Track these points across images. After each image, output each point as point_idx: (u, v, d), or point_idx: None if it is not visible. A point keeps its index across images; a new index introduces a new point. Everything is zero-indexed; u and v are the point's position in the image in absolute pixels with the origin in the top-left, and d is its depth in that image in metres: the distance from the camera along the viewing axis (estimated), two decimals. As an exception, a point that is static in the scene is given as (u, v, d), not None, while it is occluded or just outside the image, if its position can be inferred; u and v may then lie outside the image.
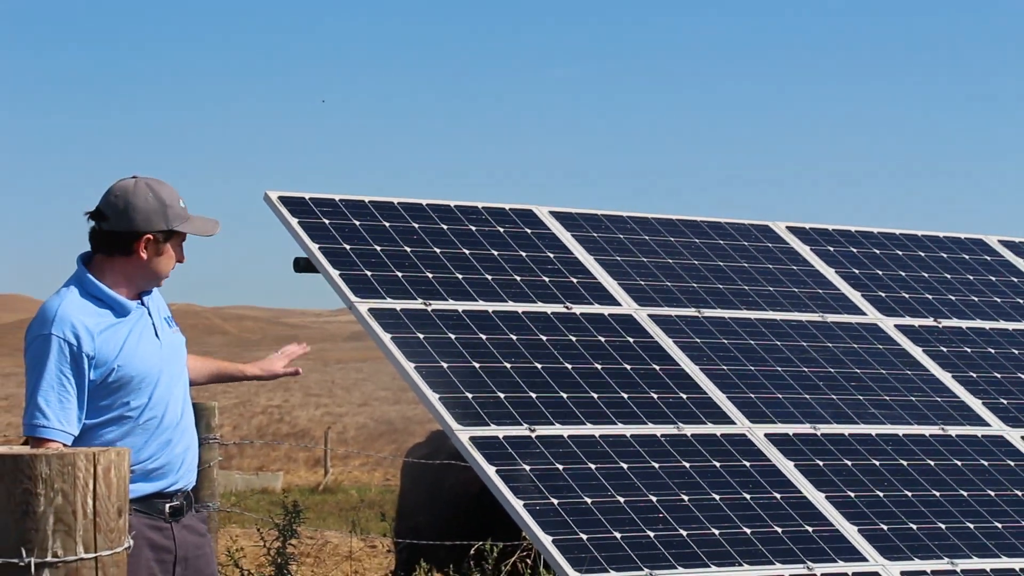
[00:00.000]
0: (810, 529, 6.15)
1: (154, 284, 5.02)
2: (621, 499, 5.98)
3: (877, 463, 6.66)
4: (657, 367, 6.78)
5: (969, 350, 7.70)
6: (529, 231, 7.43)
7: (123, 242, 4.93)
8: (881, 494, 6.47)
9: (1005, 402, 7.37)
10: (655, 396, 6.60)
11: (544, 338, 6.73)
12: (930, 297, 8.04)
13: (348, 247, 6.85)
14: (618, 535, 5.81)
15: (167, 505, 4.93)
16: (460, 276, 6.93)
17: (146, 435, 4.89)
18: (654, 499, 6.04)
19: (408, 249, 6.99)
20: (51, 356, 4.80)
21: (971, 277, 8.34)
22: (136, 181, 4.98)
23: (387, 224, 7.12)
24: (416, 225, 7.18)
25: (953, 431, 7.03)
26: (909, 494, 6.53)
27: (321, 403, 48.85)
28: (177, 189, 5.04)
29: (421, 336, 6.47)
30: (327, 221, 6.98)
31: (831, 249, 8.17)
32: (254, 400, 49.29)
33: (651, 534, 5.87)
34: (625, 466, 6.17)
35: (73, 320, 4.83)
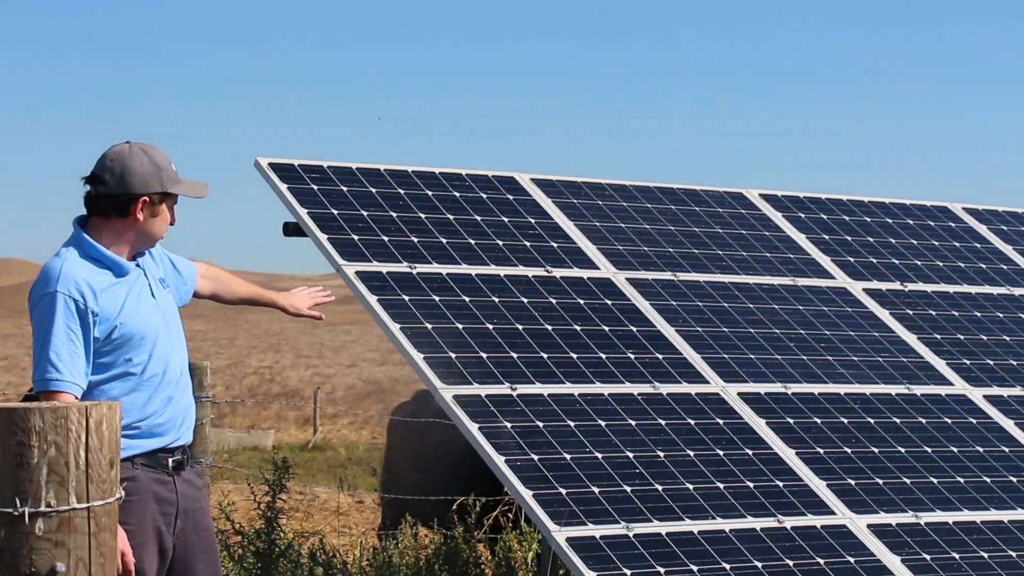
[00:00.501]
0: (780, 484, 6.29)
1: (149, 245, 5.14)
2: (599, 455, 6.11)
3: (845, 421, 6.82)
4: (634, 329, 6.94)
5: (934, 313, 7.86)
6: (511, 197, 7.58)
7: (120, 205, 5.04)
8: (849, 450, 6.62)
9: (968, 362, 7.54)
10: (632, 356, 6.75)
11: (525, 300, 6.87)
12: (897, 262, 8.21)
13: (336, 212, 6.99)
14: (596, 490, 5.93)
15: (170, 459, 5.05)
16: (444, 240, 7.08)
17: (149, 391, 5.02)
18: (631, 455, 6.17)
19: (394, 214, 7.14)
20: (58, 312, 4.91)
21: (936, 243, 8.50)
22: (131, 146, 5.08)
23: (374, 190, 7.26)
24: (402, 191, 7.33)
25: (918, 390, 7.21)
26: (876, 450, 6.68)
27: (311, 364, 48.85)
28: (169, 154, 5.15)
29: (406, 298, 6.61)
30: (315, 187, 7.12)
31: (802, 216, 8.32)
32: (246, 361, 49.32)
33: (628, 488, 5.99)
34: (603, 423, 6.30)
35: (76, 278, 4.94)
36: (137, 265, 5.12)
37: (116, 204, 5.05)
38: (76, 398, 4.91)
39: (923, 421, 6.97)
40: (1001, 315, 8.01)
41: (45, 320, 4.94)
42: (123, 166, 5.04)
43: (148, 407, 5.01)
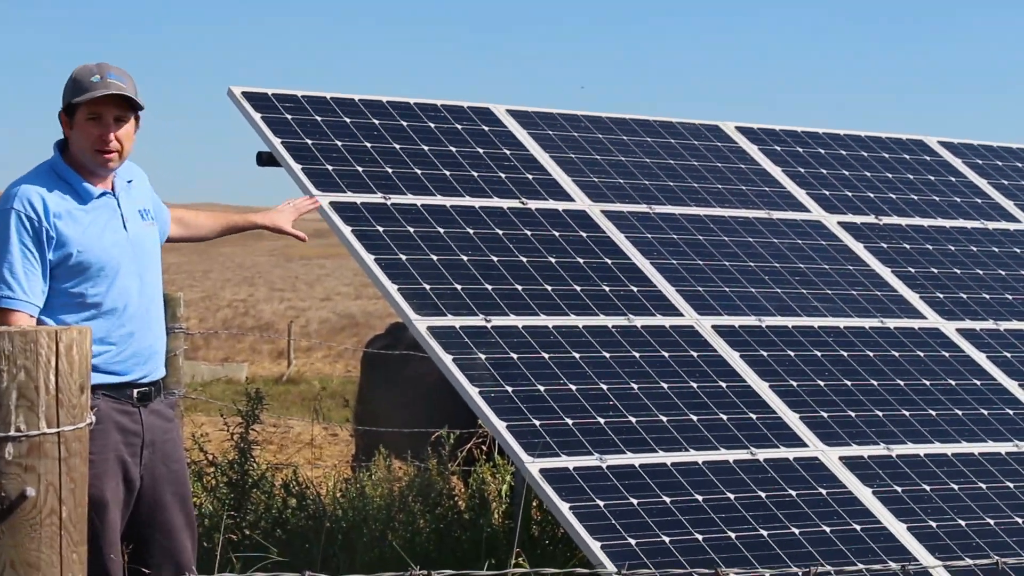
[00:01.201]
0: (754, 416, 6.32)
1: (93, 164, 4.96)
2: (573, 387, 6.13)
3: (819, 354, 6.85)
4: (609, 261, 6.94)
5: (908, 246, 7.88)
6: (486, 128, 7.57)
7: (60, 122, 5.04)
8: (822, 383, 6.66)
9: (941, 296, 7.57)
10: (607, 289, 6.76)
11: (500, 232, 6.87)
12: (872, 195, 8.22)
13: (310, 142, 6.97)
14: (570, 421, 5.95)
15: (136, 391, 4.97)
16: (419, 171, 7.06)
17: (108, 324, 4.92)
18: (605, 387, 6.20)
19: (368, 144, 7.12)
20: (12, 230, 4.83)
21: (911, 176, 8.52)
22: (83, 64, 5.01)
23: (348, 120, 7.24)
24: (376, 121, 7.31)
25: (891, 324, 7.24)
26: (849, 383, 6.72)
27: (285, 297, 48.87)
28: (140, 81, 5.03)
29: (380, 229, 6.61)
30: (289, 116, 7.09)
31: (778, 149, 8.32)
32: (220, 294, 49.29)
33: (601, 420, 6.01)
34: (577, 355, 6.31)
35: (31, 197, 4.86)
36: (111, 194, 5.04)
37: (60, 121, 5.04)
38: (31, 317, 4.85)
39: (896, 354, 7.00)
40: (975, 249, 8.03)
41: (0, 238, 4.86)
42: (65, 85, 5.03)
43: (107, 340, 4.92)
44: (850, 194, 8.13)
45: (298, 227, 5.93)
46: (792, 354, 6.77)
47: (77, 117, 4.95)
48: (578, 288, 6.67)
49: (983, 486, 6.36)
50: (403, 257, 6.47)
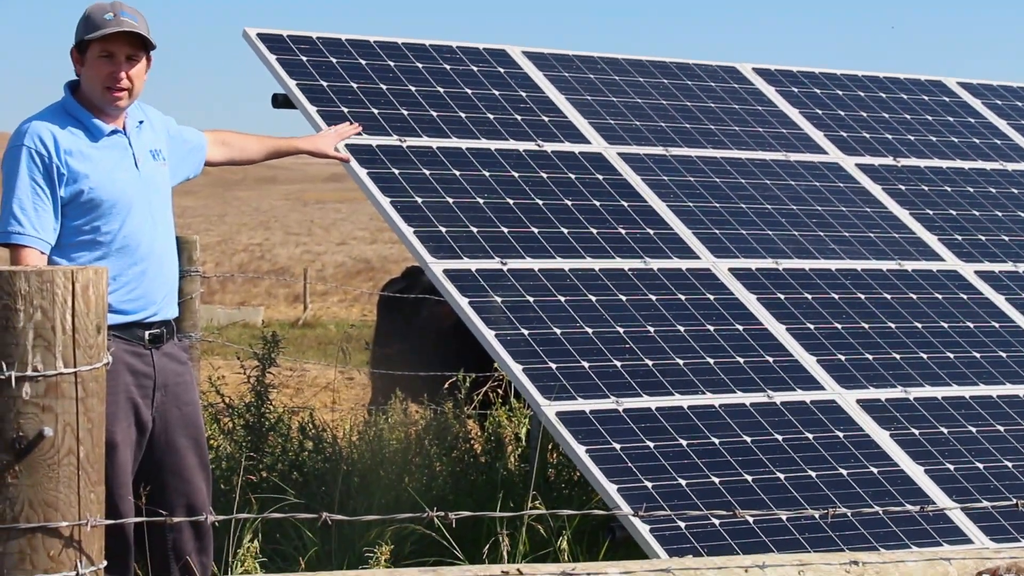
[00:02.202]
0: (770, 359, 6.31)
1: (102, 101, 4.96)
2: (589, 330, 6.12)
3: (836, 297, 6.83)
4: (625, 204, 6.92)
5: (926, 188, 7.84)
6: (502, 71, 7.54)
7: (71, 59, 5.02)
8: (839, 326, 6.64)
9: (960, 238, 7.53)
10: (623, 231, 6.74)
11: (516, 174, 6.85)
12: (890, 137, 8.18)
13: (325, 84, 6.95)
14: (586, 364, 5.95)
15: (147, 332, 4.97)
16: (435, 114, 7.04)
17: (119, 263, 4.92)
18: (621, 330, 6.19)
19: (384, 87, 7.09)
20: (22, 166, 4.83)
21: (930, 118, 8.46)
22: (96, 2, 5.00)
23: (363, 62, 7.21)
24: (391, 63, 7.28)
25: (910, 266, 7.21)
26: (866, 326, 6.70)
27: (301, 241, 48.93)
28: (152, 19, 5.02)
29: (396, 172, 6.59)
30: (305, 58, 7.07)
31: (796, 90, 8.27)
32: (236, 238, 49.36)
33: (618, 363, 6.01)
34: (593, 298, 6.30)
35: (43, 133, 4.86)
36: (122, 132, 5.03)
37: (72, 58, 5.02)
38: (41, 253, 4.86)
39: (914, 297, 6.98)
40: (994, 191, 7.99)
41: (11, 174, 4.86)
42: (77, 23, 5.02)
43: (119, 279, 4.92)
44: (868, 136, 8.09)
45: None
46: (809, 297, 6.75)
47: (89, 54, 4.95)
48: (594, 231, 6.66)
49: (1001, 428, 6.36)
50: (419, 200, 6.45)
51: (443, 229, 6.35)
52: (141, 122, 5.13)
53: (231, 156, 5.54)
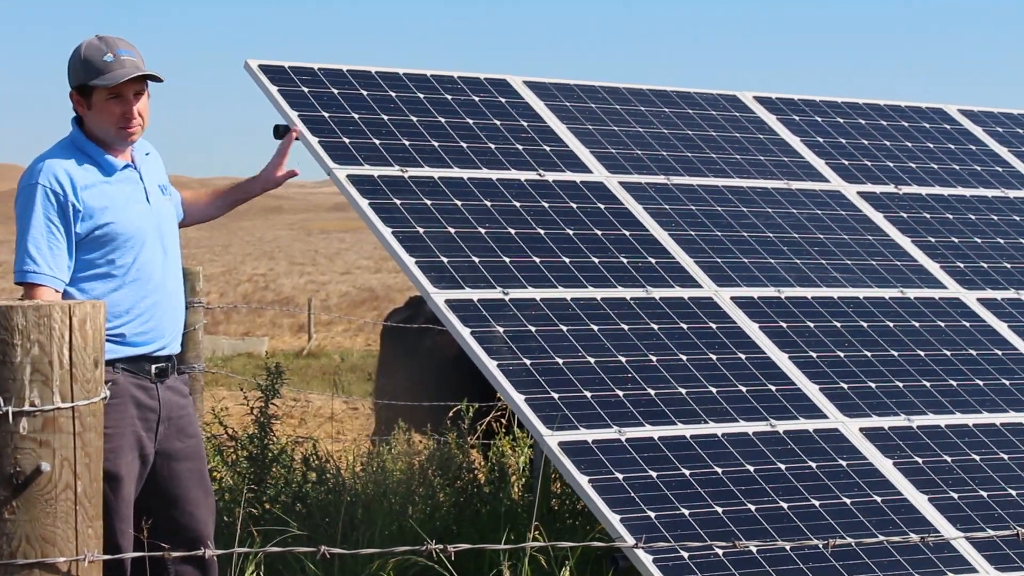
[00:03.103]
0: (773, 388, 6.30)
1: (114, 141, 4.98)
2: (591, 359, 6.11)
3: (838, 325, 6.82)
4: (627, 233, 6.92)
5: (928, 216, 7.84)
6: (504, 100, 7.54)
7: (72, 101, 5.02)
8: (842, 354, 6.62)
9: (962, 265, 7.53)
10: (625, 260, 6.73)
11: (517, 204, 6.85)
12: (891, 164, 8.17)
13: (327, 115, 6.95)
14: (588, 394, 5.93)
15: (153, 366, 4.99)
16: (436, 144, 7.04)
17: (132, 295, 4.96)
18: (623, 359, 6.18)
19: (385, 117, 7.10)
20: (38, 204, 4.85)
21: (931, 145, 8.47)
22: (87, 40, 5.00)
23: (365, 93, 7.22)
24: (393, 94, 7.29)
25: (912, 294, 7.21)
26: (869, 354, 6.68)
27: (305, 271, 48.96)
28: (142, 48, 5.01)
29: (398, 202, 6.59)
30: (306, 89, 7.08)
31: (797, 118, 8.28)
32: (240, 268, 49.39)
33: (620, 393, 5.99)
34: (595, 328, 6.29)
35: (57, 171, 4.87)
36: (132, 167, 5.04)
37: (73, 100, 5.02)
38: (56, 292, 4.87)
39: (916, 324, 6.97)
40: (996, 218, 7.99)
41: (26, 212, 4.88)
42: (69, 62, 5.01)
43: (132, 311, 4.95)
44: (869, 163, 8.09)
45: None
46: (811, 325, 6.74)
47: (95, 98, 4.96)
48: (596, 260, 6.65)
49: (1005, 456, 6.34)
50: (421, 230, 6.45)
51: (445, 259, 6.35)
52: (147, 154, 5.16)
53: (188, 220, 5.55)
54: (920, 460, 6.17)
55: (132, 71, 4.94)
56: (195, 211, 5.54)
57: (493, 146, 7.15)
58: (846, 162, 8.02)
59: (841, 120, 8.39)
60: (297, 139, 6.33)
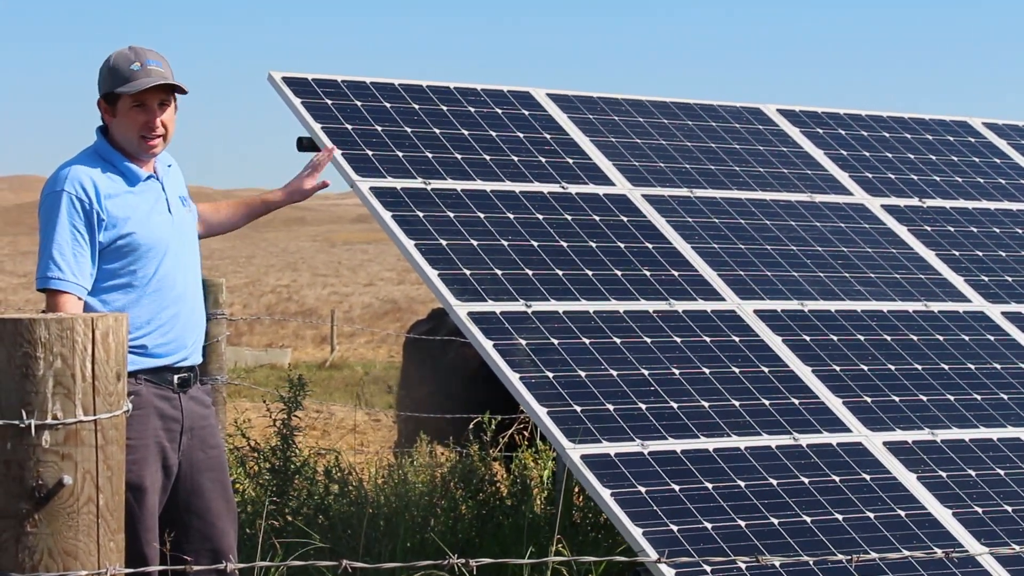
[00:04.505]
0: (796, 401, 6.28)
1: (137, 150, 5.00)
2: (614, 372, 6.10)
3: (862, 338, 6.80)
4: (650, 245, 6.91)
5: (952, 229, 7.82)
6: (527, 113, 7.54)
7: (100, 109, 5.04)
8: (865, 368, 6.60)
9: (986, 279, 7.50)
10: (648, 273, 6.73)
11: (540, 217, 6.85)
12: (915, 178, 8.16)
13: (350, 127, 6.96)
14: (611, 407, 5.92)
15: (176, 376, 4.99)
16: (459, 156, 7.04)
17: (153, 306, 4.96)
18: (646, 372, 6.16)
19: (408, 129, 7.10)
20: (63, 211, 4.85)
21: (955, 158, 8.44)
22: (118, 50, 5.02)
23: (388, 105, 7.22)
24: (416, 106, 7.29)
25: (936, 307, 7.18)
26: (892, 368, 6.66)
27: (328, 283, 49.02)
28: (177, 65, 5.06)
29: (421, 214, 6.59)
30: (329, 102, 7.08)
31: (820, 131, 8.26)
32: (263, 279, 49.46)
33: (643, 406, 5.98)
34: (618, 340, 6.28)
35: (83, 179, 4.88)
36: (155, 177, 5.06)
37: (100, 108, 5.04)
38: (79, 299, 4.88)
39: (940, 338, 6.95)
40: (1020, 231, 7.96)
41: (51, 219, 4.88)
42: (100, 71, 5.04)
43: (153, 321, 4.96)
44: (893, 176, 8.07)
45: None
46: (835, 338, 6.72)
47: (120, 105, 4.98)
48: (619, 273, 6.64)
49: (1029, 471, 6.30)
50: (443, 242, 6.45)
51: (467, 272, 6.35)
52: (169, 166, 5.17)
53: (207, 232, 5.56)
54: (944, 474, 6.14)
55: (156, 79, 4.96)
56: (215, 222, 5.55)
57: (516, 158, 7.15)
58: (870, 175, 8.00)
59: (865, 133, 8.37)
60: (332, 159, 6.30)
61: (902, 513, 5.86)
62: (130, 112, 4.97)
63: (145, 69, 4.96)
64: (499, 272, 6.41)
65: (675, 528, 5.48)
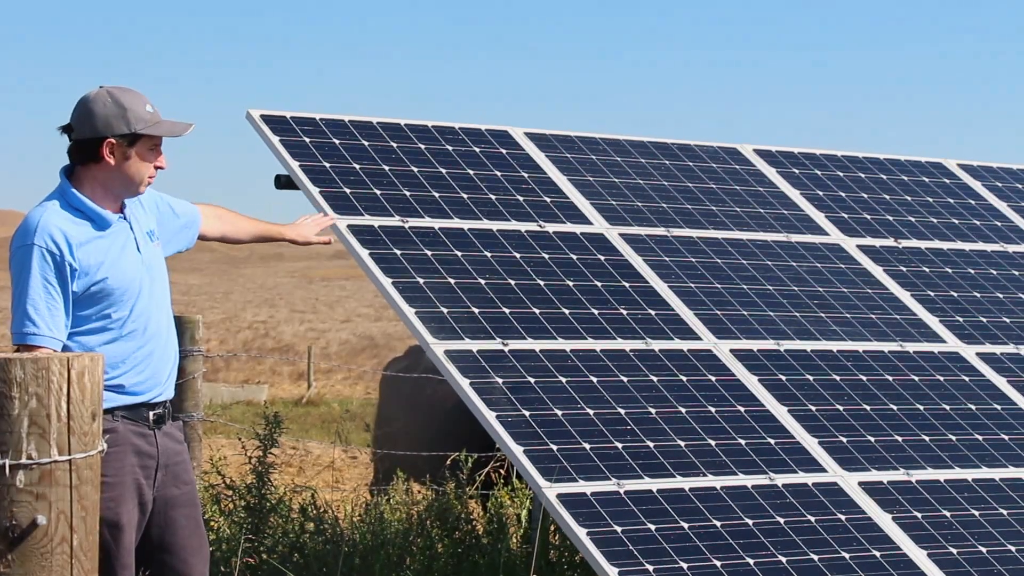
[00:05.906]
0: (772, 441, 6.29)
1: (131, 192, 5.02)
2: (590, 411, 6.10)
3: (838, 378, 6.81)
4: (627, 284, 6.92)
5: (928, 270, 7.85)
6: (504, 151, 7.56)
7: (89, 149, 4.95)
8: (841, 408, 6.62)
9: (961, 320, 7.53)
10: (624, 312, 6.74)
11: (518, 255, 6.86)
12: (891, 218, 8.19)
13: (328, 165, 6.97)
14: (587, 446, 5.92)
15: (151, 413, 5.00)
16: (437, 194, 7.06)
17: (129, 345, 4.96)
18: (622, 411, 6.17)
19: (386, 167, 7.11)
20: (35, 265, 4.84)
21: (930, 199, 8.48)
22: (98, 90, 5.00)
23: (366, 143, 7.23)
24: (394, 144, 7.30)
25: (911, 347, 7.20)
26: (868, 408, 6.67)
27: (305, 319, 48.93)
28: (150, 98, 5.02)
29: (398, 252, 6.60)
30: (307, 139, 7.09)
31: (797, 171, 8.29)
32: (240, 315, 49.37)
33: (619, 445, 5.98)
34: (594, 379, 6.28)
35: (53, 230, 4.86)
36: (123, 217, 5.05)
37: (86, 148, 4.97)
38: (55, 352, 4.84)
39: (916, 378, 6.97)
40: (995, 272, 7.99)
41: (23, 273, 4.88)
42: (88, 110, 4.97)
43: (128, 361, 4.96)
44: (869, 217, 8.10)
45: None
46: (811, 378, 6.73)
47: (138, 148, 4.98)
48: (596, 311, 6.65)
49: (1004, 512, 6.32)
50: (420, 280, 6.46)
51: (444, 310, 6.35)
52: (136, 203, 5.16)
53: (224, 232, 5.60)
54: (919, 515, 6.15)
55: (182, 125, 5.03)
56: (218, 225, 5.56)
57: (494, 197, 7.16)
58: (846, 215, 8.03)
59: (841, 173, 8.41)
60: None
61: (877, 553, 5.87)
62: (147, 154, 5.00)
63: (156, 112, 5.01)
64: (476, 310, 6.41)
65: (651, 568, 5.48)
